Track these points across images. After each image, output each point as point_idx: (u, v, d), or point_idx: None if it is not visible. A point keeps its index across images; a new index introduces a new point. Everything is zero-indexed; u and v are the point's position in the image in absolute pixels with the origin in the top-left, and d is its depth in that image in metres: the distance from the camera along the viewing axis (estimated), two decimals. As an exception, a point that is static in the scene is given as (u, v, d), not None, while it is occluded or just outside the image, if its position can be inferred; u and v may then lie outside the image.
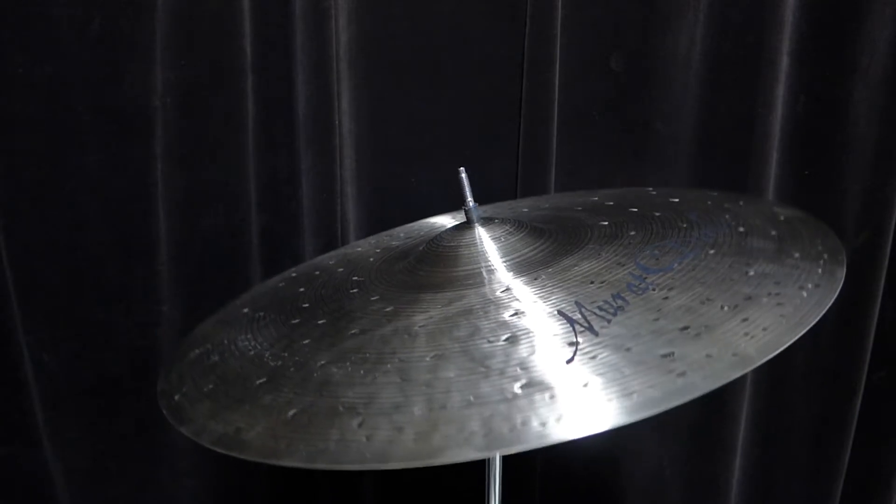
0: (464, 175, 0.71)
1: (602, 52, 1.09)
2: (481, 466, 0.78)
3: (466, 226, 0.70)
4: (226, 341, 0.67)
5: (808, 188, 1.14)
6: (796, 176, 1.14)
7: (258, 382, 0.58)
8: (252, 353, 0.63)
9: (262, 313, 0.71)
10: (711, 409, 1.21)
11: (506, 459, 0.77)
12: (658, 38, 1.08)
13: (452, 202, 0.84)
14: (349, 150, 1.11)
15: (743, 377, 1.21)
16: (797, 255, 0.62)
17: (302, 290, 0.74)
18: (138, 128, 1.02)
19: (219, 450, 0.52)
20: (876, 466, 1.26)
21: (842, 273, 0.60)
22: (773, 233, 0.66)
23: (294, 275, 0.83)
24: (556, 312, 0.55)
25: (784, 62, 1.08)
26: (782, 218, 0.71)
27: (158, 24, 0.99)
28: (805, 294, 0.56)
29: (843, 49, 1.08)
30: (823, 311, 0.54)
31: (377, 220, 1.12)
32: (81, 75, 1.00)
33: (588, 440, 0.45)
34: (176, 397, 0.62)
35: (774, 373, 1.23)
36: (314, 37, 1.02)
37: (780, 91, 1.09)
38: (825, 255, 0.62)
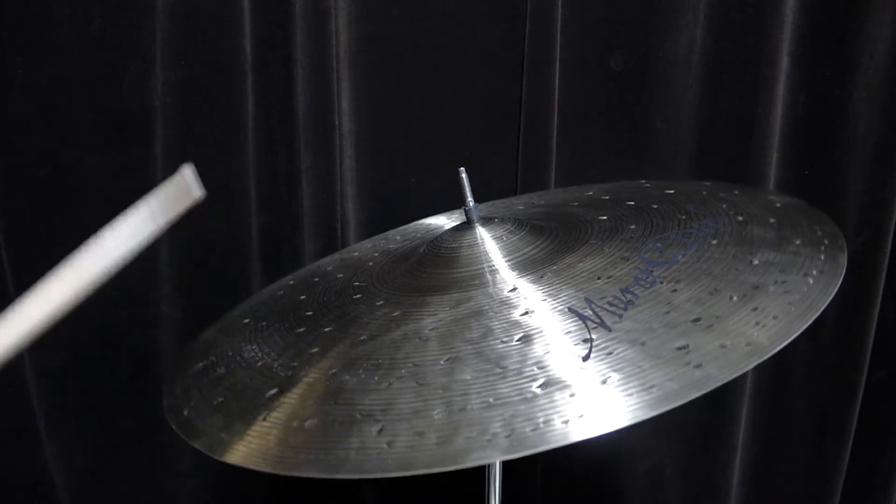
0: (464, 175, 0.71)
1: (602, 52, 1.09)
2: (482, 465, 0.77)
3: (467, 226, 0.70)
4: (230, 352, 0.66)
5: (808, 188, 1.14)
6: (796, 176, 1.14)
7: (269, 393, 0.57)
8: (260, 363, 0.62)
9: (264, 323, 0.70)
10: (712, 408, 1.21)
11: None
12: (658, 38, 1.08)
13: (452, 202, 0.84)
14: (349, 150, 1.10)
15: (743, 375, 1.21)
16: (798, 242, 0.62)
17: (303, 297, 0.73)
18: (138, 128, 1.02)
19: (235, 463, 0.52)
20: (876, 466, 1.26)
21: (843, 259, 0.60)
22: (772, 220, 0.66)
23: (292, 282, 0.82)
24: (566, 310, 0.55)
25: (784, 62, 1.08)
26: (778, 205, 0.71)
27: (158, 24, 0.99)
28: (811, 281, 0.56)
29: (843, 49, 1.08)
30: (830, 298, 0.55)
31: (377, 221, 1.12)
32: (81, 75, 1.00)
33: (588, 440, 0.45)
34: (185, 412, 0.61)
35: (775, 372, 1.23)
36: (314, 37, 1.02)
37: (780, 91, 1.09)
38: (825, 242, 0.62)
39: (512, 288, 0.60)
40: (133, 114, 1.01)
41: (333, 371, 0.56)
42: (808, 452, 1.27)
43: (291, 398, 0.56)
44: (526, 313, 0.56)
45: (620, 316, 0.53)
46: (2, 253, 1.03)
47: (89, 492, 1.16)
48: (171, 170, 1.05)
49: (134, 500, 1.18)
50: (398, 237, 0.88)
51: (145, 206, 0.52)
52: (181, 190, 0.55)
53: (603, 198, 0.81)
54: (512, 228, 0.68)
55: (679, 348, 0.50)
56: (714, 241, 0.62)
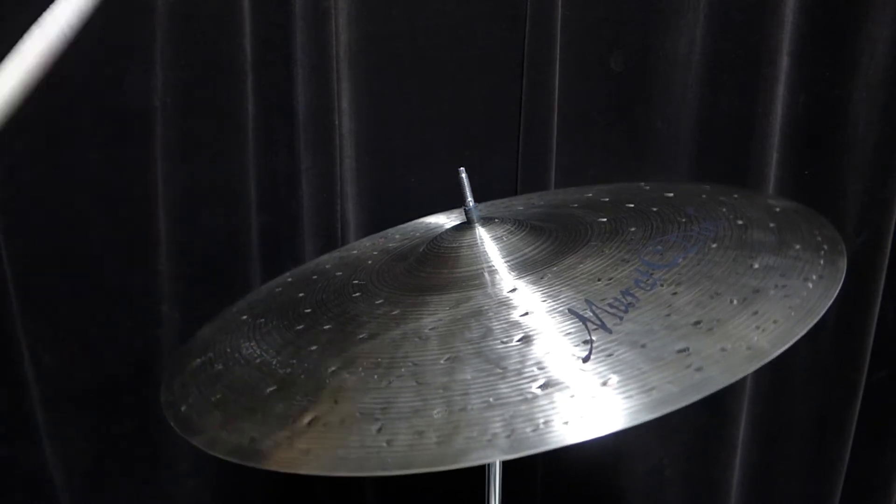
0: (464, 175, 0.71)
1: (602, 52, 1.09)
2: (482, 466, 0.77)
3: (467, 226, 0.70)
4: (228, 349, 0.66)
5: (808, 188, 1.14)
6: (796, 176, 1.14)
7: (268, 391, 0.57)
8: (258, 360, 0.62)
9: (262, 320, 0.70)
10: (712, 409, 1.21)
11: (506, 460, 0.77)
12: (658, 38, 1.08)
13: (452, 202, 0.84)
14: (349, 150, 1.10)
15: (743, 377, 1.21)
16: (798, 246, 0.62)
17: (301, 295, 0.74)
18: (138, 128, 1.02)
19: (234, 461, 0.52)
20: (876, 466, 1.26)
21: (843, 263, 0.60)
22: (772, 225, 0.66)
23: (290, 280, 0.82)
24: (566, 311, 0.55)
25: (784, 62, 1.08)
26: (778, 209, 0.71)
27: (158, 24, 0.99)
28: (811, 285, 0.56)
29: (843, 49, 1.08)
30: (830, 302, 0.55)
31: (377, 220, 1.12)
32: (81, 75, 1.00)
33: (588, 441, 0.45)
34: (182, 408, 0.61)
35: (775, 373, 1.23)
36: (314, 37, 1.02)
37: (780, 91, 1.09)
38: (825, 246, 0.62)
39: (512, 288, 0.61)
40: (133, 114, 1.01)
41: (333, 369, 0.56)
42: (808, 452, 1.27)
43: (290, 396, 0.56)
44: (526, 314, 0.56)
45: (621, 318, 0.53)
46: (2, 253, 1.03)
47: (89, 492, 1.16)
48: (171, 170, 1.06)
49: (134, 500, 1.18)
50: (397, 236, 0.88)
51: None
52: None
53: (602, 200, 0.81)
54: (512, 229, 0.69)
55: (679, 351, 0.50)
56: (714, 245, 0.62)
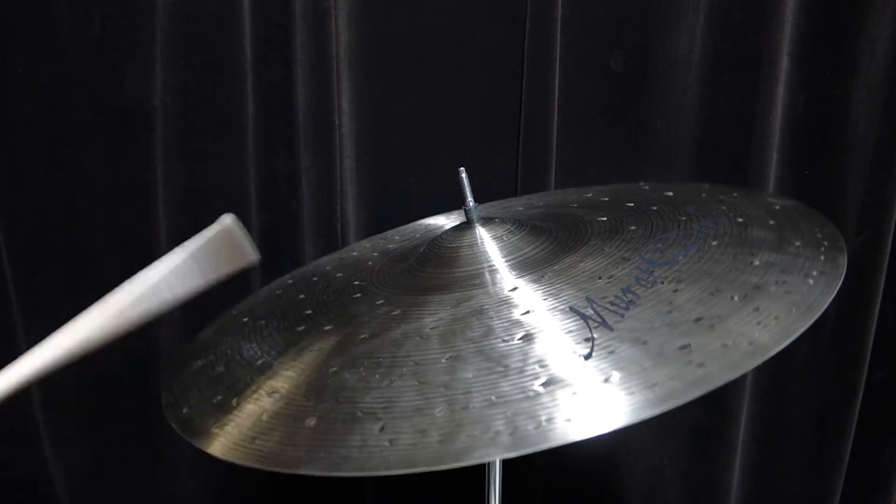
0: (464, 175, 0.71)
1: (602, 52, 1.09)
2: (481, 466, 0.78)
3: (467, 226, 0.70)
4: (229, 351, 0.67)
5: (808, 188, 1.14)
6: (796, 176, 1.14)
7: (270, 392, 0.57)
8: (259, 362, 0.62)
9: (263, 322, 0.70)
10: (711, 408, 1.21)
11: (506, 459, 0.77)
12: (658, 38, 1.08)
13: (452, 202, 0.84)
14: (349, 150, 1.10)
15: (743, 376, 1.21)
16: (798, 243, 0.62)
17: (302, 296, 0.74)
18: (138, 128, 1.02)
19: (236, 461, 0.52)
20: (876, 466, 1.26)
21: (843, 260, 0.60)
22: (772, 222, 0.67)
23: (290, 282, 0.83)
24: (568, 309, 0.55)
25: (784, 62, 1.08)
26: (778, 207, 0.71)
27: (158, 24, 0.99)
28: (811, 282, 0.56)
29: (843, 49, 1.08)
30: (831, 298, 0.55)
31: (377, 221, 1.12)
32: (81, 75, 1.00)
33: (589, 440, 0.45)
34: (184, 410, 0.61)
35: (774, 372, 1.23)
36: (314, 37, 1.02)
37: (780, 91, 1.09)
38: (825, 243, 0.62)
39: (512, 287, 0.61)
40: (133, 114, 1.01)
41: (334, 369, 0.56)
42: (808, 452, 1.27)
43: (292, 396, 0.56)
44: (527, 312, 0.56)
45: (622, 315, 0.54)
46: (2, 253, 1.03)
47: (89, 492, 1.16)
48: (171, 170, 1.06)
49: (134, 500, 1.18)
50: (397, 237, 0.88)
51: (189, 257, 0.51)
52: (231, 245, 0.54)
53: (602, 199, 0.81)
54: (512, 228, 0.69)
55: (681, 347, 0.50)
56: (714, 243, 0.62)
